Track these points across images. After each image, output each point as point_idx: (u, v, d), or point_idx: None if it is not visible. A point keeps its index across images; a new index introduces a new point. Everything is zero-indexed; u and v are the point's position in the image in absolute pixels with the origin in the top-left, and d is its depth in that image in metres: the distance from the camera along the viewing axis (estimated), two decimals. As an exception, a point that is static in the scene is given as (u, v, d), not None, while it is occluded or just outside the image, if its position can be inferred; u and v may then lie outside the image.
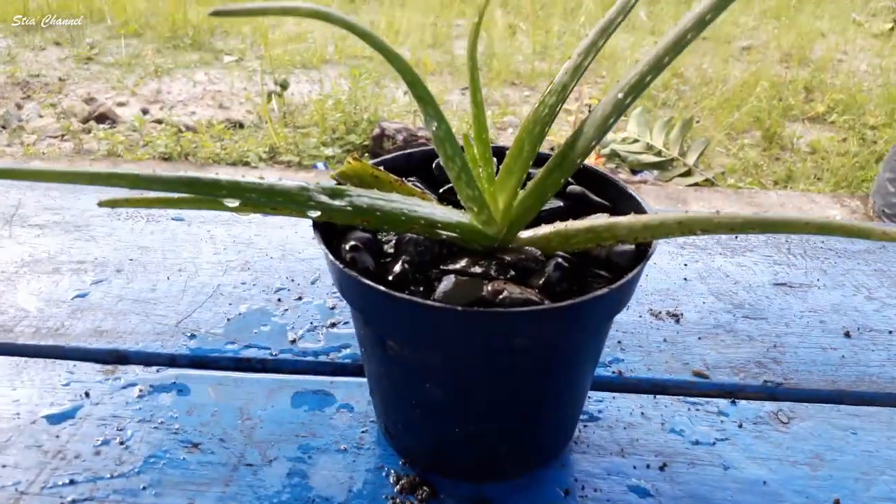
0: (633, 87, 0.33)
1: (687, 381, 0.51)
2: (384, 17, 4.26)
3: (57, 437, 0.45)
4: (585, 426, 0.47)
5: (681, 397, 0.50)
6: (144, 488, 0.41)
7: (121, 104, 3.09)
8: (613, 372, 0.52)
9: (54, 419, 0.46)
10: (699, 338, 0.55)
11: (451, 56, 3.79)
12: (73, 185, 0.73)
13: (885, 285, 0.63)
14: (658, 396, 0.50)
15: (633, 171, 2.64)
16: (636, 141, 2.72)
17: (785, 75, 3.58)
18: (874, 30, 4.42)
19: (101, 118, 2.88)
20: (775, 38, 4.12)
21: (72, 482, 0.41)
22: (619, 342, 0.55)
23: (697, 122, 3.02)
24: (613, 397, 0.49)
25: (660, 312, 0.58)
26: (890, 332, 0.57)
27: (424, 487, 0.42)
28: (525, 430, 0.41)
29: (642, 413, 0.48)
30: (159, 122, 2.87)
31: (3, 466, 0.42)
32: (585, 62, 0.35)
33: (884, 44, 4.13)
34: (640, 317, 0.58)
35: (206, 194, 0.33)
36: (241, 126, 2.88)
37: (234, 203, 0.34)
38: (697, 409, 0.48)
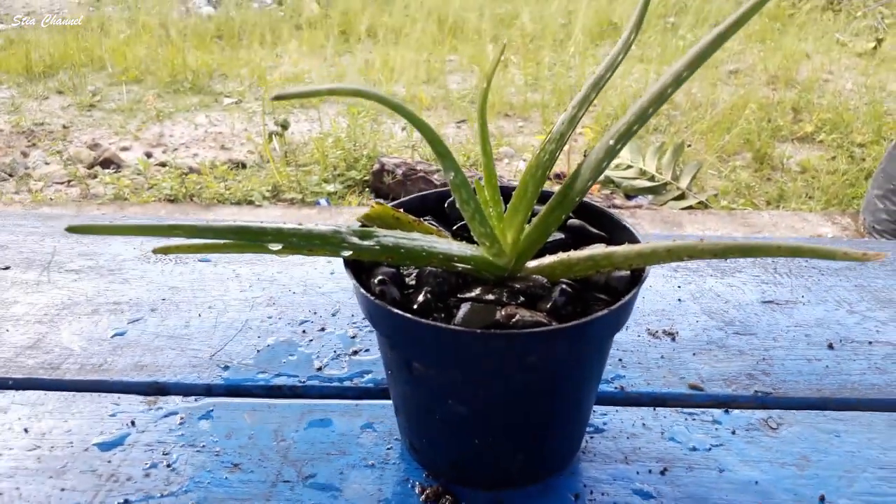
0: (622, 135, 0.38)
1: (684, 394, 0.55)
2: (378, 56, 4.36)
3: (109, 462, 0.49)
4: (592, 437, 0.51)
5: (678, 409, 0.54)
6: (194, 506, 0.45)
7: (124, 149, 3.16)
8: (616, 387, 0.56)
9: (105, 446, 0.50)
10: (694, 353, 0.60)
11: (446, 90, 3.88)
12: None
13: (865, 300, 0.68)
14: (657, 408, 0.54)
15: (628, 197, 2.70)
16: (629, 167, 2.79)
17: (773, 97, 3.67)
18: (858, 49, 4.53)
19: (106, 163, 2.94)
20: (761, 61, 4.22)
21: (126, 502, 0.46)
22: (620, 360, 0.59)
23: (689, 146, 3.09)
24: (616, 410, 0.54)
25: (657, 331, 0.63)
26: (870, 343, 0.62)
27: (447, 496, 0.46)
28: (536, 445, 0.45)
29: (643, 424, 0.52)
30: (163, 164, 2.94)
31: (62, 490, 0.46)
32: (579, 113, 0.40)
33: (868, 62, 4.23)
34: (639, 336, 0.62)
35: (253, 240, 0.38)
36: (244, 166, 2.94)
37: (278, 247, 0.39)
38: (694, 419, 0.53)
